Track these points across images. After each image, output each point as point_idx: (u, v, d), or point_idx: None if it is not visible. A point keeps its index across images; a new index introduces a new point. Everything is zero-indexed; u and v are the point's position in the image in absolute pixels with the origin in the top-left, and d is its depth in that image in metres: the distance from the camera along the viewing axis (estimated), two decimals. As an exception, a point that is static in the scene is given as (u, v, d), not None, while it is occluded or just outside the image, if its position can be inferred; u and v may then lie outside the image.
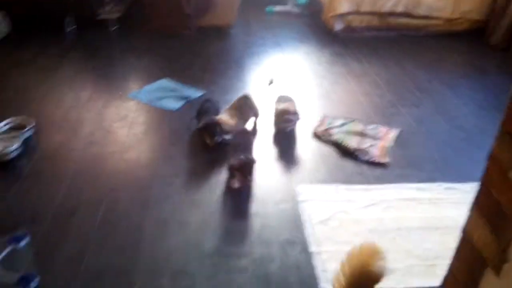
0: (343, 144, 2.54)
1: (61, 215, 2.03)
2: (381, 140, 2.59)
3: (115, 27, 4.03)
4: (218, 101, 2.79)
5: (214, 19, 4.07)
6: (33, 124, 2.56)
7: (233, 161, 2.21)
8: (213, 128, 2.45)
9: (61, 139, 2.56)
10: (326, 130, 2.67)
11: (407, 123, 2.80)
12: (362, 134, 2.63)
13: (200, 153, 2.49)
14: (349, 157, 2.48)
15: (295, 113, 2.62)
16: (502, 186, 0.97)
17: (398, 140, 2.62)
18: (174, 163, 2.40)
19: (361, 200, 2.16)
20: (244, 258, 1.85)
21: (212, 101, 2.73)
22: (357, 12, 4.04)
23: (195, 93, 3.05)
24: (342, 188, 2.24)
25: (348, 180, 2.30)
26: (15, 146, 2.37)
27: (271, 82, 2.96)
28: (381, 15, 4.07)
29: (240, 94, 2.69)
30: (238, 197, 2.20)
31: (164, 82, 3.20)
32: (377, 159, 2.44)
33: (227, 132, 2.48)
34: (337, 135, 2.62)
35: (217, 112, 2.62)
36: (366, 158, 2.45)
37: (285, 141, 2.63)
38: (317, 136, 2.65)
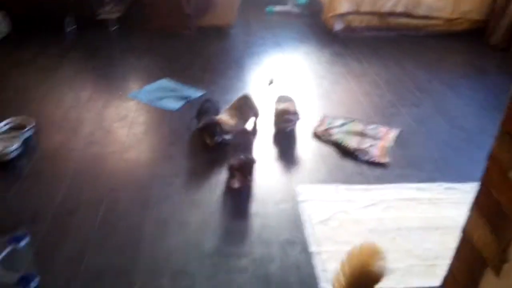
0: (343, 144, 2.54)
1: (61, 215, 2.03)
2: (381, 140, 2.59)
3: (115, 27, 4.03)
4: (218, 101, 2.79)
5: (214, 19, 4.07)
6: (33, 124, 2.56)
7: (233, 161, 2.20)
8: (213, 128, 2.45)
9: (61, 139, 2.56)
10: (326, 130, 2.67)
11: (407, 123, 2.80)
12: (362, 134, 2.63)
13: (200, 153, 2.49)
14: (349, 157, 2.48)
15: (295, 113, 2.62)
16: (502, 186, 0.97)
17: (398, 140, 2.62)
18: (174, 163, 2.40)
19: (361, 200, 2.16)
20: (244, 258, 1.85)
21: (212, 101, 2.73)
22: (357, 12, 4.04)
23: (195, 93, 3.05)
24: (342, 188, 2.24)
25: (348, 180, 2.30)
26: (15, 146, 2.37)
27: (271, 82, 2.96)
28: (381, 15, 4.07)
29: (240, 94, 2.68)
30: (238, 197, 2.20)
31: (164, 82, 3.20)
32: (377, 159, 2.44)
33: (227, 132, 2.48)
34: (337, 135, 2.62)
35: (217, 112, 2.62)
36: (366, 158, 2.45)
37: (285, 141, 2.63)
38: (317, 136, 2.65)
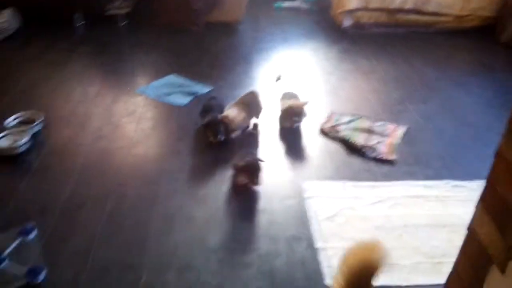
0: (350, 140, 2.54)
1: (69, 209, 2.04)
2: (388, 137, 2.58)
3: (124, 23, 4.05)
4: (225, 97, 2.80)
5: (222, 15, 4.07)
6: (42, 118, 2.58)
7: (239, 161, 2.19)
8: (216, 126, 2.46)
9: (69, 134, 2.57)
10: (333, 126, 2.66)
11: (414, 120, 2.79)
12: (369, 131, 2.63)
13: (207, 149, 2.50)
14: (356, 154, 2.47)
15: (301, 113, 2.60)
16: (508, 184, 0.96)
17: (406, 137, 2.61)
18: (182, 158, 2.41)
19: (368, 197, 2.16)
20: (250, 253, 1.86)
21: (217, 99, 2.74)
22: (365, 9, 4.02)
23: (202, 89, 3.05)
24: (349, 184, 2.24)
25: (355, 177, 2.30)
26: (24, 140, 2.39)
27: (278, 78, 2.96)
28: (390, 11, 4.05)
29: (248, 90, 2.69)
30: (245, 193, 2.20)
31: (172, 78, 3.20)
32: (384, 156, 2.43)
33: (233, 130, 2.49)
34: (344, 131, 2.62)
35: (221, 109, 2.61)
36: (374, 155, 2.45)
37: (291, 137, 2.62)
38: (324, 132, 2.64)
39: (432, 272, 1.77)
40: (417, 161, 2.43)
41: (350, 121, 2.71)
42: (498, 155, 1.00)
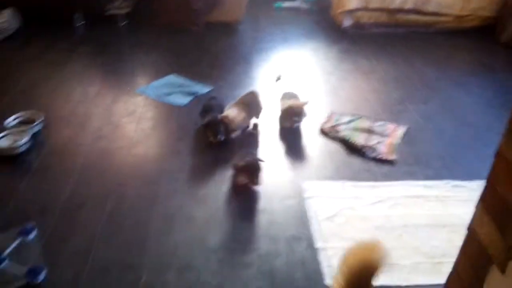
0: (350, 140, 2.54)
1: (69, 209, 2.04)
2: (388, 137, 2.58)
3: (124, 23, 4.05)
4: (225, 97, 2.79)
5: (222, 15, 4.07)
6: (42, 118, 2.58)
7: (239, 161, 2.19)
8: (216, 126, 2.46)
9: (69, 134, 2.57)
10: (333, 126, 2.66)
11: (414, 120, 2.79)
12: (369, 131, 2.63)
13: (207, 149, 2.50)
14: (356, 154, 2.47)
15: (301, 114, 2.60)
16: (508, 184, 0.96)
17: (406, 137, 2.61)
18: (182, 158, 2.41)
19: (368, 197, 2.16)
20: (250, 253, 1.86)
21: (217, 99, 2.74)
22: (366, 9, 4.02)
23: (202, 89, 3.05)
24: (349, 184, 2.24)
25: (355, 177, 2.30)
26: (24, 140, 2.39)
27: (278, 78, 2.96)
28: (390, 11, 4.05)
29: (248, 90, 2.69)
30: (245, 193, 2.20)
31: (172, 78, 3.20)
32: (384, 156, 2.43)
33: (233, 130, 2.49)
34: (344, 131, 2.62)
35: (221, 109, 2.61)
36: (374, 155, 2.45)
37: (291, 137, 2.62)
38: (324, 132, 2.64)
39: (432, 272, 1.77)
40: (417, 161, 2.43)
41: (350, 121, 2.71)
42: (498, 155, 0.99)
